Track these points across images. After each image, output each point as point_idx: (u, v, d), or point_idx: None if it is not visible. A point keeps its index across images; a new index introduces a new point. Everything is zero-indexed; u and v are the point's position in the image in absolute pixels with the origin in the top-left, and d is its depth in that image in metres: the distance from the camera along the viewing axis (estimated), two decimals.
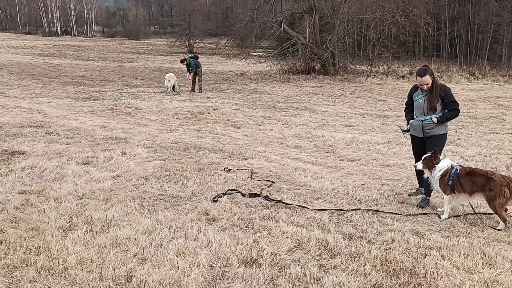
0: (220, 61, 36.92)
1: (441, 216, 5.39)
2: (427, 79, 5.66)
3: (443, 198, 5.66)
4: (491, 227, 5.08)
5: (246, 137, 10.26)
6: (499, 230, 5.01)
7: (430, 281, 3.80)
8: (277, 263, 4.07)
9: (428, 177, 5.65)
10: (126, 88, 19.28)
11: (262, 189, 6.15)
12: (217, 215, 5.16)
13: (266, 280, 3.78)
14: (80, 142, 8.72)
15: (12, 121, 10.56)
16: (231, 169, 7.15)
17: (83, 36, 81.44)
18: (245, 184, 6.42)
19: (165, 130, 10.50)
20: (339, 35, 27.43)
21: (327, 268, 4.01)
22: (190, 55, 19.45)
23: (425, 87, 5.73)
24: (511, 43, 37.72)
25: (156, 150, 8.30)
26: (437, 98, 5.70)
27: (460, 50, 42.69)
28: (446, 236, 4.77)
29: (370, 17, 27.24)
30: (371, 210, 5.51)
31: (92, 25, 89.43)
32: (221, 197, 5.80)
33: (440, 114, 5.77)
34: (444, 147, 6.12)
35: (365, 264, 4.05)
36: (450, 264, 4.12)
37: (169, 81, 18.09)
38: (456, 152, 9.01)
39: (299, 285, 3.73)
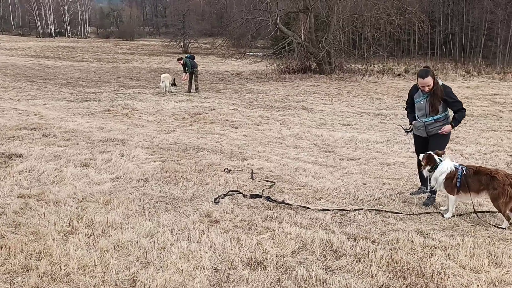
0: (215, 61, 36.84)
1: (445, 215, 5.36)
2: (429, 80, 5.58)
3: (445, 196, 5.65)
4: (495, 225, 5.05)
5: (245, 137, 10.21)
6: (503, 228, 4.99)
7: (437, 281, 3.76)
8: (282, 265, 4.03)
9: (427, 177, 5.62)
10: (122, 89, 19.18)
11: (263, 190, 6.10)
12: (219, 216, 5.11)
13: (272, 282, 3.73)
14: (77, 144, 8.64)
15: (8, 123, 10.46)
16: (231, 170, 7.09)
17: (77, 37, 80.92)
18: (246, 185, 6.37)
19: (163, 131, 10.43)
20: (334, 34, 27.42)
21: (333, 270, 3.97)
22: (186, 55, 19.38)
23: (426, 89, 5.64)
24: (506, 40, 37.79)
25: (154, 151, 8.23)
26: (439, 101, 5.64)
27: (455, 48, 42.73)
28: (450, 235, 4.74)
29: (366, 16, 27.24)
30: (374, 209, 5.47)
31: (86, 26, 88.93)
32: (222, 198, 5.75)
33: (442, 115, 5.71)
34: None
35: (371, 265, 4.01)
36: (456, 263, 4.09)
37: (163, 81, 17.99)
38: (455, 150, 8.99)
39: (305, 287, 3.69)
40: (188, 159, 7.71)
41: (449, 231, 4.90)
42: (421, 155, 5.62)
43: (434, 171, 5.46)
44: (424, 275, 3.86)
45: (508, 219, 5.04)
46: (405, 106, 6.28)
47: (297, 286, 3.69)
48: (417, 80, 5.72)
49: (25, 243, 4.26)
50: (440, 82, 5.73)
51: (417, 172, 6.61)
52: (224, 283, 3.72)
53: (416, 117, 5.93)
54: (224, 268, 3.93)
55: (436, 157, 5.45)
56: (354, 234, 4.71)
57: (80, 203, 5.43)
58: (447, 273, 3.88)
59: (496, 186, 5.04)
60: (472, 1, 41.23)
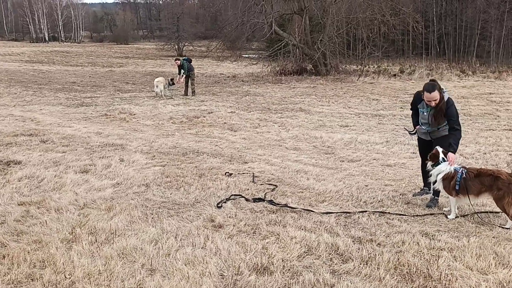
0: (210, 64, 36.80)
1: (448, 216, 5.35)
2: (436, 95, 5.40)
3: (448, 197, 5.64)
4: (499, 226, 5.04)
5: (244, 140, 10.18)
6: (507, 228, 4.98)
7: (445, 284, 3.74)
8: (289, 269, 3.99)
9: (429, 172, 5.61)
10: (118, 93, 19.11)
11: (265, 193, 6.08)
12: (223, 221, 5.08)
13: None
14: (76, 149, 8.58)
15: (5, 130, 10.38)
16: (232, 174, 7.06)
17: (71, 42, 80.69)
18: (248, 189, 6.34)
19: (162, 135, 10.39)
20: (329, 35, 27.44)
21: (340, 274, 3.94)
22: (184, 57, 19.29)
23: (433, 103, 5.48)
24: (499, 39, 38.04)
25: (154, 156, 8.18)
26: (442, 117, 5.54)
27: (449, 47, 42.94)
28: (455, 237, 4.73)
29: (360, 17, 27.29)
30: (377, 211, 5.46)
31: (79, 30, 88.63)
32: (225, 202, 5.71)
33: (445, 123, 5.63)
34: None
35: (378, 268, 3.98)
36: (463, 265, 4.07)
37: (157, 86, 17.91)
38: None
39: None
40: (189, 163, 7.67)
41: (454, 232, 4.89)
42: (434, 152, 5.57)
43: (434, 168, 5.47)
44: (432, 277, 3.84)
45: None
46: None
47: None
48: (423, 93, 5.54)
49: (28, 252, 4.20)
50: (446, 96, 5.53)
51: (418, 173, 6.63)
52: None
53: (420, 123, 5.88)
54: (231, 274, 3.89)
55: (441, 155, 5.44)
56: (360, 237, 4.68)
57: (82, 210, 5.38)
58: (454, 275, 3.86)
59: (501, 186, 5.03)
60: (465, 1, 41.48)
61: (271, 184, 6.55)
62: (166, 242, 4.47)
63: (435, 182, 5.51)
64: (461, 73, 27.75)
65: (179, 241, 4.52)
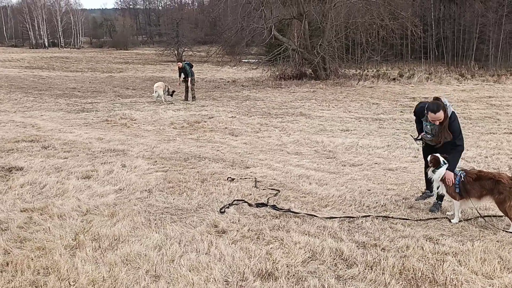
0: (210, 69, 36.86)
1: (452, 220, 5.34)
2: (441, 115, 5.33)
3: (451, 201, 5.63)
4: (503, 230, 5.04)
5: (245, 145, 10.18)
6: (511, 232, 4.98)
7: None
8: (293, 275, 3.98)
9: (431, 178, 5.61)
10: (118, 99, 19.12)
11: (268, 198, 6.07)
12: (226, 227, 5.07)
13: None
14: (77, 155, 8.57)
15: (6, 136, 10.37)
16: (234, 179, 7.05)
17: (70, 48, 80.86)
18: (250, 194, 6.33)
19: (163, 141, 10.38)
20: (329, 40, 27.52)
21: (345, 279, 3.93)
22: (185, 62, 19.29)
23: (437, 122, 5.43)
24: (497, 43, 38.14)
25: (156, 161, 8.18)
26: (448, 132, 5.47)
27: (447, 51, 43.02)
28: (459, 241, 4.72)
29: (360, 21, 27.36)
30: (381, 216, 5.45)
31: (79, 36, 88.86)
32: (228, 208, 5.70)
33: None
34: None
35: (383, 273, 3.97)
36: (468, 270, 4.06)
37: (156, 91, 17.91)
38: None
39: None
40: (191, 169, 7.67)
41: (458, 236, 4.88)
42: (429, 157, 5.60)
43: (436, 173, 5.48)
44: (437, 282, 3.83)
45: None
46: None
47: None
48: (427, 112, 5.43)
49: (32, 259, 4.19)
50: (450, 110, 5.42)
51: (420, 177, 6.62)
52: None
53: (424, 131, 5.82)
54: (236, 280, 3.88)
55: (441, 159, 5.45)
56: (364, 242, 4.67)
57: (85, 216, 5.36)
58: (460, 280, 3.86)
59: (502, 190, 5.03)
60: (464, 5, 41.57)
61: (274, 189, 6.54)
62: (170, 248, 4.46)
63: (438, 187, 5.51)
64: (460, 77, 27.79)
65: (183, 247, 4.50)
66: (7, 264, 4.10)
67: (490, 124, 12.91)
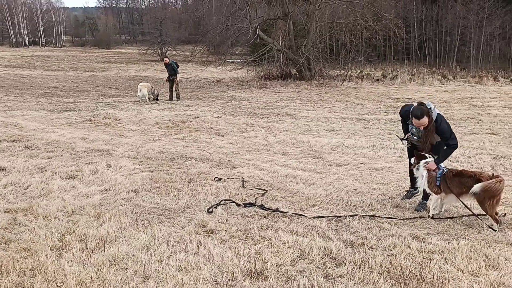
0: (194, 69, 36.71)
1: (429, 212, 5.46)
2: (424, 120, 5.34)
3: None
4: (489, 226, 5.11)
5: (232, 145, 10.16)
6: (494, 230, 5.06)
7: (438, 286, 3.78)
8: (283, 274, 3.99)
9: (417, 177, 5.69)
10: (101, 98, 18.93)
11: (256, 198, 6.07)
12: (215, 227, 5.05)
13: None
14: (61, 155, 8.45)
15: None
16: (221, 179, 7.04)
17: (51, 46, 79.57)
18: (238, 194, 6.32)
19: (148, 140, 10.30)
20: (313, 40, 27.65)
21: (334, 278, 3.95)
22: (172, 61, 19.12)
23: (421, 127, 5.45)
24: (478, 45, 38.79)
25: (142, 161, 8.11)
26: (434, 136, 5.52)
27: (429, 53, 43.60)
28: (445, 239, 4.79)
29: (344, 22, 27.54)
30: (368, 215, 5.49)
31: (61, 35, 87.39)
32: (215, 207, 5.68)
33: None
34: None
35: (371, 272, 4.01)
36: (454, 267, 4.12)
37: (140, 90, 17.73)
38: None
39: None
40: (177, 169, 7.62)
41: (444, 235, 4.95)
42: (413, 158, 5.69)
43: (420, 167, 5.57)
44: (424, 280, 3.88)
45: (496, 222, 5.11)
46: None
47: None
48: (411, 118, 5.46)
49: (17, 260, 4.12)
50: (435, 114, 5.41)
51: (405, 177, 6.69)
52: None
53: (410, 132, 5.87)
54: (225, 280, 3.87)
55: (427, 155, 5.55)
56: (351, 241, 4.71)
57: (71, 217, 5.29)
58: (447, 278, 3.91)
59: None
60: (445, 7, 42.16)
61: (261, 189, 6.54)
62: (158, 248, 4.43)
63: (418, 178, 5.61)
64: (442, 78, 28.19)
65: (171, 247, 4.48)
66: None
67: (473, 125, 13.13)
